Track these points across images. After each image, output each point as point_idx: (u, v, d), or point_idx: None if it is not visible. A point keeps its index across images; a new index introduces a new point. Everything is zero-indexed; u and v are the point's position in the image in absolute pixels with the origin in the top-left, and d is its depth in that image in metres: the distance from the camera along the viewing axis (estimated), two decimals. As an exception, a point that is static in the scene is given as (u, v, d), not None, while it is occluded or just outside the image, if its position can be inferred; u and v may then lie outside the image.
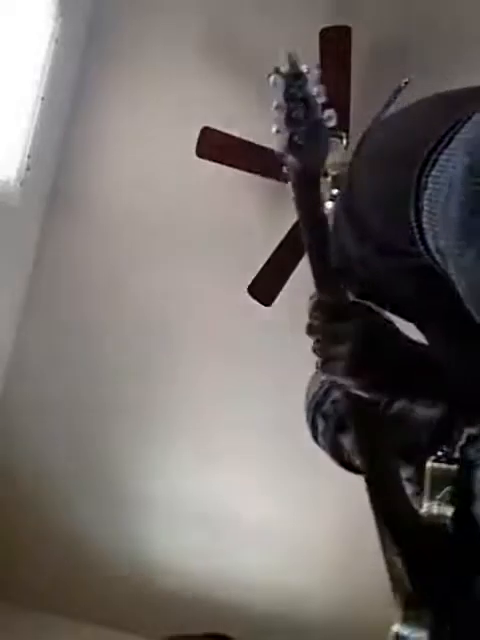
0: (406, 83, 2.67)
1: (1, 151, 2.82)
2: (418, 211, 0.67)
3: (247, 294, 2.94)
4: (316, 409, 1.16)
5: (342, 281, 0.89)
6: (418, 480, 0.95)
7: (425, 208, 0.66)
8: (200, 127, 2.85)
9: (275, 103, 0.88)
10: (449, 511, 0.88)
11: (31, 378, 3.24)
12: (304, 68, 0.88)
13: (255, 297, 2.95)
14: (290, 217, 2.51)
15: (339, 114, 2.84)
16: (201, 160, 2.89)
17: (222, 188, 3.12)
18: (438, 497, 0.90)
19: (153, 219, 3.21)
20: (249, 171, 2.86)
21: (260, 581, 3.07)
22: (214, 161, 2.87)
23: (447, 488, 0.90)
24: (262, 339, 3.04)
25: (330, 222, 0.90)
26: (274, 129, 0.89)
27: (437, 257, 0.67)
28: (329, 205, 3.07)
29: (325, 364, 0.89)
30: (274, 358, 2.98)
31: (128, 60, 3.24)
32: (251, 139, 2.78)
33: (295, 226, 2.76)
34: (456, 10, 3.00)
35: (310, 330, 0.91)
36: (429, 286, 0.78)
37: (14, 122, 2.86)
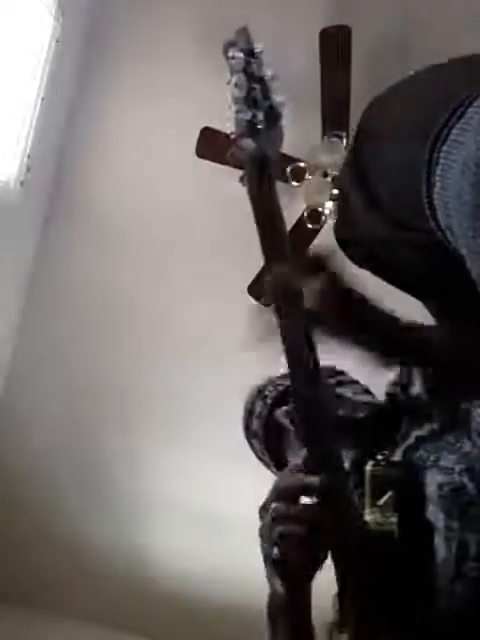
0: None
1: (1, 151, 2.82)
2: (430, 186, 0.64)
3: (247, 294, 2.94)
4: (255, 396, 1.14)
5: (347, 251, 0.85)
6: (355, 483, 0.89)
7: (437, 184, 0.64)
8: (200, 127, 2.85)
9: (234, 80, 0.83)
10: (393, 518, 0.82)
11: (31, 378, 3.24)
12: (258, 47, 0.83)
13: (255, 297, 2.94)
14: (290, 217, 2.51)
15: (339, 114, 2.83)
16: (201, 160, 2.89)
17: (222, 188, 3.11)
18: (379, 503, 0.83)
19: (153, 219, 3.21)
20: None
21: (260, 581, 3.06)
22: (214, 161, 2.87)
23: (389, 493, 0.83)
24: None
25: (338, 188, 0.86)
26: (234, 109, 0.85)
27: (448, 235, 0.65)
28: (330, 205, 3.05)
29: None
30: (274, 359, 2.98)
31: (128, 60, 3.24)
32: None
33: (295, 226, 2.76)
34: (456, 10, 3.00)
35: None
36: (437, 262, 0.75)
37: (14, 122, 2.86)
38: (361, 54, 2.78)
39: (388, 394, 1.00)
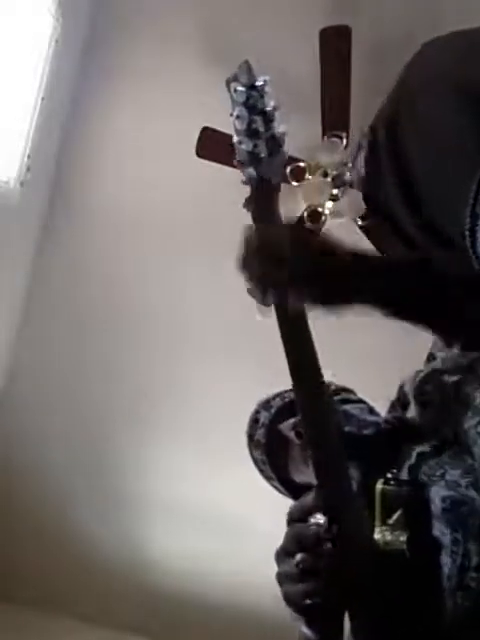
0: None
1: (1, 151, 2.82)
2: (474, 216, 0.60)
3: (247, 294, 2.94)
4: (261, 406, 1.13)
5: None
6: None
7: None
8: (200, 127, 2.85)
9: (236, 112, 0.86)
10: (403, 537, 0.81)
11: (31, 378, 3.24)
12: (260, 80, 0.85)
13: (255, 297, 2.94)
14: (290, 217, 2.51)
15: (339, 114, 2.83)
16: (201, 160, 2.89)
17: (222, 188, 3.11)
18: (390, 522, 0.82)
19: (153, 219, 3.21)
20: (249, 171, 2.85)
21: (260, 581, 3.06)
22: (214, 161, 2.87)
23: (399, 512, 0.82)
24: (262, 339, 3.04)
25: (361, 158, 0.83)
26: (236, 139, 0.88)
27: None
28: (330, 205, 3.05)
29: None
30: (274, 359, 2.98)
31: (128, 60, 3.23)
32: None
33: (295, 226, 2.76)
34: (457, 10, 3.00)
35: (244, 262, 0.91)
36: (464, 280, 0.72)
37: (14, 122, 2.86)
38: (361, 54, 2.78)
39: (388, 416, 1.00)
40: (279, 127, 0.86)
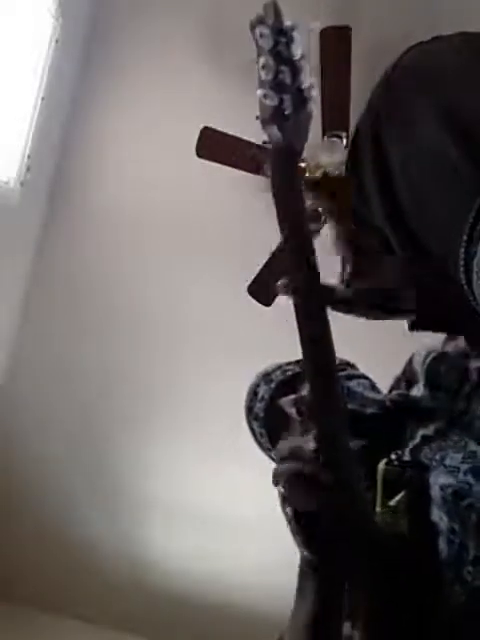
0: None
1: (1, 151, 2.82)
2: (469, 256, 0.56)
3: (247, 294, 2.94)
4: (260, 378, 1.12)
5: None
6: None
7: (478, 264, 0.54)
8: (200, 127, 2.85)
9: (262, 61, 0.76)
10: (404, 520, 0.80)
11: (31, 378, 3.24)
12: (288, 23, 0.75)
13: (255, 297, 2.95)
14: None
15: (339, 114, 2.83)
16: (201, 160, 2.89)
17: (222, 188, 3.12)
18: (391, 504, 0.81)
19: (153, 219, 3.21)
20: (249, 171, 2.86)
21: (260, 581, 3.07)
22: (214, 161, 2.87)
23: (401, 494, 0.81)
24: (262, 339, 3.04)
25: (351, 158, 0.75)
26: (260, 93, 0.78)
27: (476, 299, 0.56)
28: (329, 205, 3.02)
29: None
30: (274, 358, 2.98)
31: (128, 60, 3.24)
32: (251, 139, 2.78)
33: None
34: (456, 9, 3.00)
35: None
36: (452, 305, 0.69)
37: (14, 122, 2.86)
38: (361, 54, 2.78)
39: (393, 393, 0.99)
40: (306, 80, 0.77)
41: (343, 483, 0.78)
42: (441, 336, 0.94)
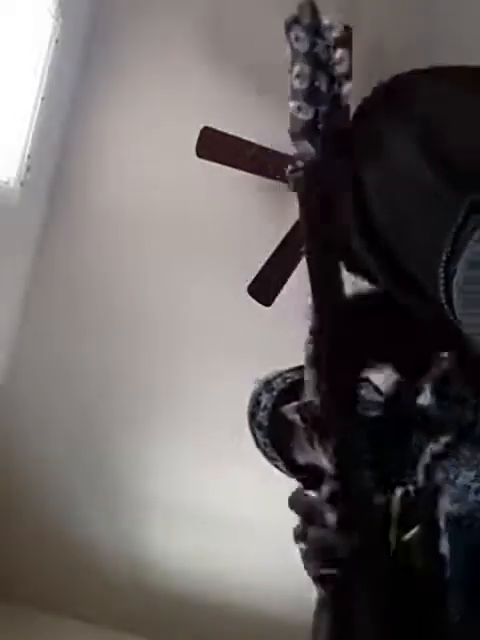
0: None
1: (1, 151, 2.82)
2: (448, 275, 0.54)
3: (247, 294, 2.94)
4: (262, 387, 1.11)
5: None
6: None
7: (458, 281, 0.53)
8: (200, 127, 2.85)
9: (297, 70, 0.67)
10: (419, 554, 0.77)
11: (31, 378, 3.24)
12: (327, 22, 0.67)
13: (255, 297, 2.95)
14: (290, 217, 2.51)
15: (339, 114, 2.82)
16: (201, 160, 2.89)
17: (222, 188, 3.12)
18: (405, 539, 0.78)
19: (153, 219, 3.21)
20: (249, 171, 2.86)
21: (260, 582, 3.07)
22: (214, 161, 2.87)
23: (416, 528, 0.78)
24: (262, 339, 3.04)
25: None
26: (294, 105, 0.69)
27: (466, 329, 0.55)
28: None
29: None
30: (274, 358, 2.98)
31: (128, 60, 3.24)
32: (251, 139, 2.78)
33: (295, 226, 2.76)
34: (457, 10, 3.00)
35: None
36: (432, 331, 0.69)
37: (14, 122, 2.86)
38: (361, 54, 2.77)
39: (391, 400, 0.97)
40: (345, 87, 0.69)
41: (362, 529, 0.77)
42: None
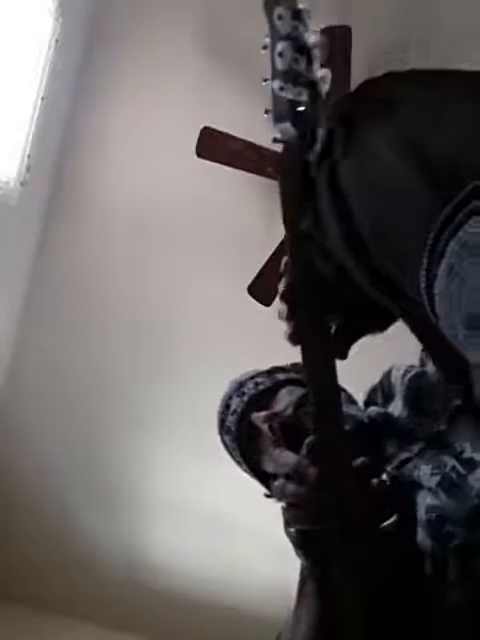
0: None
1: (1, 151, 2.82)
2: (430, 278, 0.53)
3: (247, 294, 2.95)
4: (233, 390, 1.10)
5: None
6: None
7: (440, 284, 0.52)
8: (200, 127, 2.85)
9: (279, 48, 0.69)
10: (397, 543, 0.77)
11: (31, 378, 3.24)
12: (304, 6, 0.70)
13: (255, 297, 2.95)
14: (290, 217, 2.51)
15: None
16: (201, 160, 2.89)
17: (222, 188, 3.12)
18: (384, 525, 0.78)
19: (153, 219, 3.21)
20: (249, 171, 2.86)
21: (260, 581, 3.07)
22: (214, 161, 2.87)
23: (394, 517, 0.78)
24: (262, 339, 3.04)
25: (314, 175, 0.70)
26: (275, 85, 0.70)
27: (447, 331, 0.53)
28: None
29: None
30: (274, 358, 2.98)
31: (128, 60, 3.24)
32: (251, 139, 2.78)
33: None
34: (456, 10, 3.00)
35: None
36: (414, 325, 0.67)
37: (14, 122, 2.86)
38: (361, 54, 2.78)
39: (371, 410, 0.96)
40: (319, 71, 0.70)
41: (342, 497, 0.77)
42: (417, 352, 0.93)
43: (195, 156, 2.87)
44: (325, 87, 0.71)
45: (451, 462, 0.79)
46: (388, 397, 0.95)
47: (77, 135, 3.26)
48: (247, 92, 2.99)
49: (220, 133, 2.85)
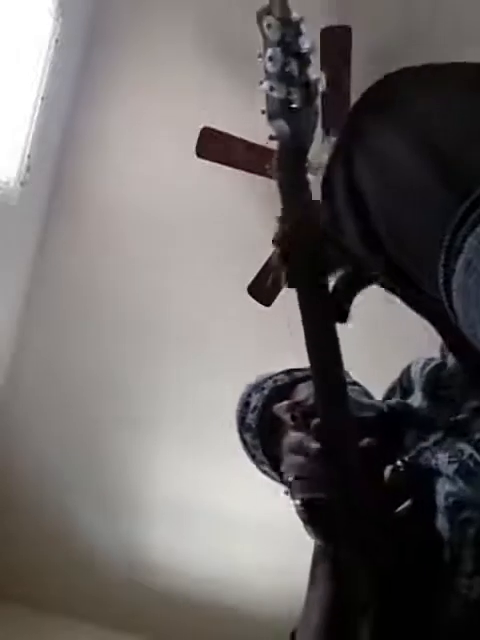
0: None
1: (1, 151, 2.82)
2: (448, 274, 0.53)
3: (247, 294, 2.95)
4: (252, 389, 1.11)
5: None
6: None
7: (457, 280, 0.52)
8: (200, 127, 2.85)
9: (268, 53, 0.74)
10: (411, 528, 0.79)
11: (31, 378, 3.24)
12: (296, 15, 0.74)
13: (255, 297, 2.95)
14: (290, 217, 2.51)
15: (339, 114, 2.83)
16: (201, 160, 2.89)
17: (222, 188, 3.12)
18: (399, 510, 0.79)
19: (153, 219, 3.21)
20: (249, 171, 2.86)
21: (260, 581, 3.07)
22: (214, 161, 2.87)
23: (408, 502, 0.79)
24: (262, 339, 3.04)
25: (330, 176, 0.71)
26: (266, 85, 0.75)
27: (466, 327, 0.53)
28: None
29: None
30: (274, 358, 2.98)
31: (128, 60, 3.24)
32: (251, 139, 2.78)
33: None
34: (456, 10, 3.00)
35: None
36: (436, 320, 0.68)
37: (14, 122, 2.86)
38: (361, 54, 2.78)
39: (391, 400, 0.97)
40: (313, 74, 0.75)
41: (347, 472, 0.80)
42: (437, 346, 0.94)
43: (195, 156, 2.87)
44: (320, 88, 0.76)
45: (468, 450, 0.80)
46: (407, 391, 0.96)
47: (77, 135, 3.26)
48: (247, 92, 2.98)
49: (220, 133, 2.85)
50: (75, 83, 3.24)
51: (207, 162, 2.87)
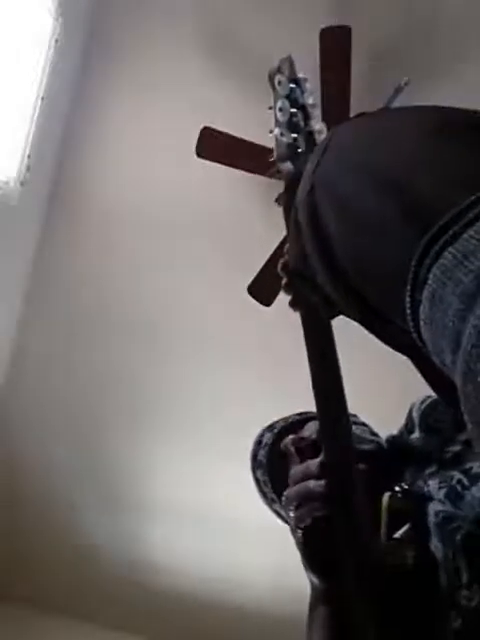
0: (406, 83, 2.67)
1: (1, 151, 2.82)
2: (414, 305, 0.53)
3: (247, 294, 2.95)
4: (265, 429, 1.15)
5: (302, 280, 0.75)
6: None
7: (424, 311, 0.51)
8: (200, 127, 2.85)
9: (279, 104, 0.88)
10: (411, 553, 0.81)
11: (31, 378, 3.24)
12: (301, 75, 0.89)
13: (255, 297, 2.95)
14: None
15: (339, 115, 2.83)
16: (201, 160, 2.89)
17: (222, 188, 3.12)
18: (397, 536, 0.82)
19: (153, 219, 3.21)
20: (249, 171, 2.86)
21: (260, 581, 3.07)
22: (214, 161, 2.87)
23: (406, 526, 0.82)
24: (262, 339, 3.04)
25: (298, 218, 0.72)
26: (277, 132, 0.89)
27: (435, 359, 0.53)
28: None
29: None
30: (274, 358, 2.99)
31: (128, 60, 3.24)
32: (251, 139, 2.78)
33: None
34: (456, 10, 3.00)
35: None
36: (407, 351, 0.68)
37: (14, 122, 2.86)
38: (361, 54, 2.78)
39: (386, 438, 1.01)
40: (316, 124, 0.88)
41: (346, 503, 0.82)
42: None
43: (195, 156, 2.87)
44: (322, 136, 0.87)
45: (457, 476, 0.82)
46: (411, 431, 0.99)
47: (77, 135, 3.26)
48: (247, 92, 2.99)
49: (220, 133, 2.85)
50: (75, 83, 3.24)
51: (207, 162, 2.88)
